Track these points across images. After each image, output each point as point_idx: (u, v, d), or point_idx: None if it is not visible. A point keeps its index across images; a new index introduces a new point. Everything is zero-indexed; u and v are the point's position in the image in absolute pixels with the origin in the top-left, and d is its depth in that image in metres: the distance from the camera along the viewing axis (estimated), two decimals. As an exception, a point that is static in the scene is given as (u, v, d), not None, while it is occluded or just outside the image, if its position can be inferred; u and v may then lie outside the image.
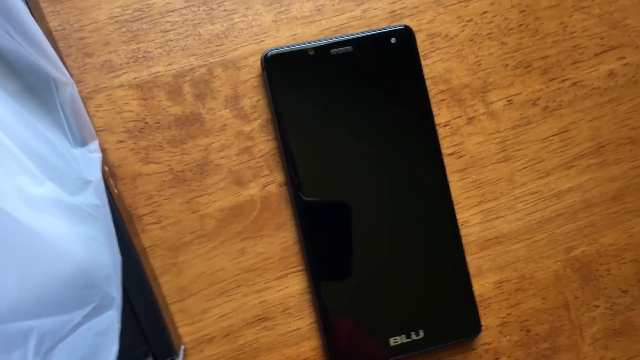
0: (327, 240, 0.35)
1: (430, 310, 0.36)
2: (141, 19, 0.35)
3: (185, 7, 0.35)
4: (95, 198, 0.27)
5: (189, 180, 0.35)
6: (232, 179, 0.35)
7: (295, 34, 0.36)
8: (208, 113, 0.35)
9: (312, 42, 0.35)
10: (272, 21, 0.36)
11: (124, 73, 0.34)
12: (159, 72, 0.35)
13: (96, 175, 0.28)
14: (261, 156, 0.36)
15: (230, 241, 0.35)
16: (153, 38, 0.35)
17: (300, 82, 0.35)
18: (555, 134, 0.38)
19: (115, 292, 0.27)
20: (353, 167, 0.35)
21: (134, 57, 0.35)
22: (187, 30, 0.35)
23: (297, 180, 0.35)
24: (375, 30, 0.36)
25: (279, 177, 0.36)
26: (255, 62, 0.36)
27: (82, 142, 0.29)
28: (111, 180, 0.32)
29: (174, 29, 0.35)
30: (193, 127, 0.35)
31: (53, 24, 0.34)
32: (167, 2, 0.35)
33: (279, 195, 0.36)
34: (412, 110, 0.36)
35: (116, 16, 0.34)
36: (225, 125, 0.35)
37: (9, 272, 0.26)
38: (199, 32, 0.35)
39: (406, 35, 0.36)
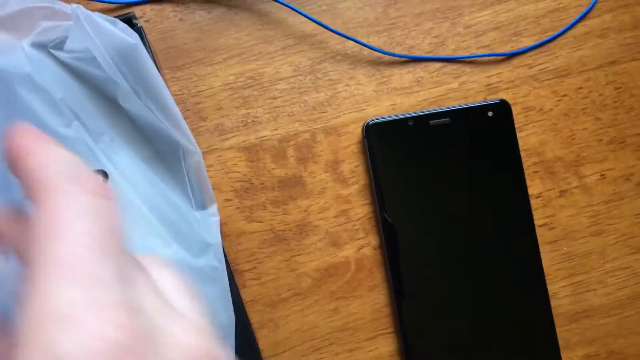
0: (419, 305, 0.36)
1: (518, 382, 0.36)
2: (252, 86, 0.37)
3: (293, 76, 0.37)
4: (215, 260, 0.29)
5: (288, 239, 0.37)
6: (329, 240, 0.37)
7: (395, 104, 0.38)
8: (309, 176, 0.37)
9: (412, 112, 0.37)
10: (374, 91, 0.38)
11: (233, 136, 0.37)
12: (265, 136, 0.37)
13: (216, 238, 0.30)
14: (357, 219, 0.37)
15: (325, 300, 0.36)
16: (262, 104, 0.37)
17: (398, 150, 0.37)
18: (649, 210, 0.38)
19: (230, 351, 0.29)
20: (446, 236, 0.36)
21: (244, 122, 0.37)
22: (293, 98, 0.37)
23: (392, 245, 0.36)
24: (472, 103, 0.37)
25: (373, 240, 0.37)
26: (356, 129, 0.37)
27: (203, 206, 0.31)
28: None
29: (282, 96, 0.37)
30: (295, 189, 0.37)
31: (173, 89, 0.37)
32: (276, 72, 0.37)
33: (373, 257, 0.37)
34: (506, 181, 0.37)
35: (230, 83, 0.37)
36: (324, 188, 0.37)
37: None
38: (304, 99, 0.37)
39: (503, 109, 0.37)
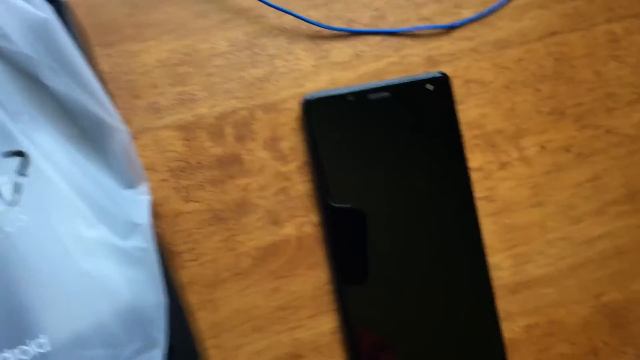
0: (359, 282, 0.36)
1: (459, 352, 0.36)
2: (187, 62, 0.36)
3: (229, 52, 0.36)
4: (143, 242, 0.29)
5: (227, 219, 0.36)
6: (268, 218, 0.36)
7: (335, 79, 0.37)
8: (248, 154, 0.36)
9: (351, 87, 0.36)
10: (312, 66, 0.37)
11: (169, 114, 0.36)
12: (202, 113, 0.36)
13: (144, 218, 0.29)
14: (297, 197, 0.37)
15: (265, 279, 0.36)
16: (198, 81, 0.36)
17: (337, 125, 0.36)
18: (588, 181, 0.39)
19: (159, 333, 0.28)
20: (386, 211, 0.36)
21: (180, 99, 0.36)
22: (230, 74, 0.36)
23: (332, 222, 0.36)
24: (412, 77, 0.37)
25: (314, 217, 0.37)
26: (295, 106, 0.37)
27: (132, 185, 0.30)
28: (155, 220, 0.33)
29: (218, 73, 0.36)
30: (233, 168, 0.36)
31: (104, 66, 0.35)
32: (212, 47, 0.36)
33: (314, 235, 0.37)
34: (446, 154, 0.37)
35: (164, 60, 0.36)
36: (263, 166, 0.36)
37: (66, 306, 0.27)
38: (242, 75, 0.36)
39: (442, 82, 0.37)
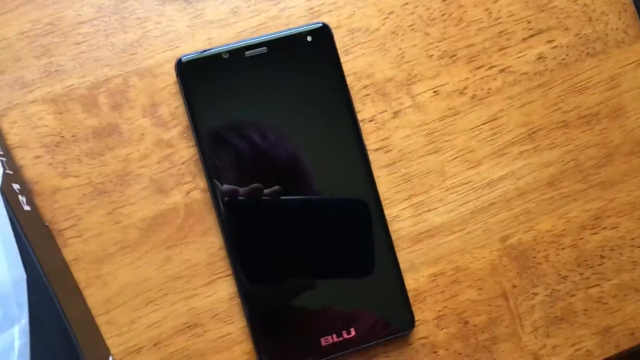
0: (251, 243, 0.35)
1: (361, 308, 0.35)
2: (52, 32, 0.34)
3: (96, 18, 0.35)
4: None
5: (109, 191, 0.35)
6: (153, 187, 0.35)
7: (211, 38, 0.36)
8: (126, 123, 0.35)
9: (226, 45, 0.35)
10: (187, 26, 0.36)
11: (37, 88, 0.34)
12: (72, 85, 0.35)
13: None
14: (182, 163, 0.35)
15: (155, 250, 0.35)
16: (65, 51, 0.35)
17: (215, 86, 0.35)
18: (485, 123, 0.38)
19: (17, 309, 0.27)
20: (272, 168, 0.35)
21: (47, 72, 0.34)
22: (99, 41, 0.35)
23: (218, 184, 0.34)
24: (290, 30, 0.36)
25: (201, 183, 0.35)
26: (171, 69, 0.35)
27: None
28: (20, 197, 0.32)
29: (86, 41, 0.35)
30: (111, 138, 0.35)
31: (-38, 43, 0.34)
32: (77, 14, 0.35)
33: (203, 201, 0.35)
34: (333, 107, 0.36)
35: (26, 31, 0.34)
36: (143, 134, 0.35)
37: None
38: (111, 42, 0.35)
39: (323, 33, 0.36)
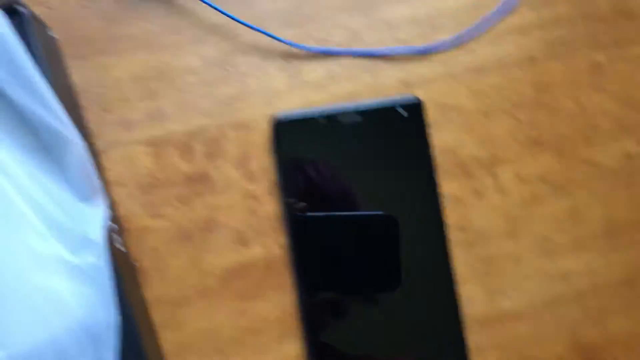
0: (326, 304, 0.35)
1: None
2: (159, 77, 0.36)
3: (201, 68, 0.36)
4: (96, 258, 0.28)
5: (194, 237, 0.36)
6: (236, 238, 0.36)
7: (307, 99, 0.37)
8: (217, 172, 0.36)
9: (321, 109, 0.36)
10: (285, 85, 0.37)
11: (139, 129, 0.36)
12: (172, 130, 0.36)
13: (98, 234, 0.29)
14: (265, 217, 0.36)
15: (231, 300, 0.35)
16: (169, 97, 0.36)
17: (306, 147, 0.36)
18: (565, 213, 0.38)
19: (108, 353, 0.28)
20: (355, 236, 0.35)
21: (150, 115, 0.36)
22: (202, 91, 0.36)
23: (299, 243, 0.35)
24: (384, 100, 0.36)
25: (281, 239, 0.36)
26: (266, 125, 0.36)
27: (88, 198, 0.30)
28: (116, 235, 0.33)
29: (190, 89, 0.36)
30: (201, 185, 0.36)
31: (76, 78, 0.35)
32: (185, 63, 0.36)
33: (281, 257, 0.36)
34: (418, 180, 0.36)
35: (136, 74, 0.36)
36: (232, 185, 0.36)
37: (21, 320, 0.27)
38: (213, 92, 0.36)
39: (416, 106, 0.36)
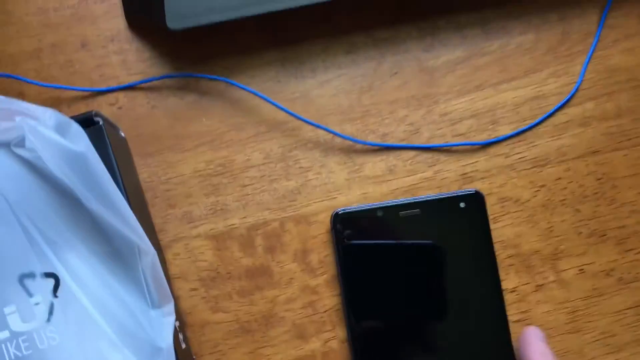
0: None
1: None
2: (222, 173, 0.37)
3: (263, 164, 0.37)
4: (164, 366, 0.29)
5: (253, 331, 0.36)
6: (295, 332, 0.36)
7: (367, 193, 0.37)
8: (277, 266, 0.36)
9: (381, 203, 0.36)
10: (345, 179, 0.37)
11: (202, 224, 0.37)
12: (234, 224, 0.37)
13: (168, 342, 0.30)
14: (325, 311, 0.36)
15: (288, 395, 0.36)
16: (231, 192, 0.37)
17: (366, 240, 0.36)
18: (630, 308, 0.37)
19: None
20: (416, 332, 0.35)
21: (213, 210, 0.37)
22: (263, 185, 0.37)
23: (358, 340, 0.35)
24: (444, 194, 0.36)
25: (341, 333, 0.36)
26: (326, 219, 0.37)
27: (158, 305, 0.31)
28: (180, 335, 0.33)
29: (252, 184, 0.37)
30: (262, 279, 0.36)
31: (143, 175, 0.37)
32: (247, 159, 0.37)
33: (340, 351, 0.36)
34: (479, 274, 0.36)
35: (200, 170, 0.37)
36: (292, 278, 0.36)
37: None
38: (274, 187, 0.37)
39: (476, 199, 0.36)
